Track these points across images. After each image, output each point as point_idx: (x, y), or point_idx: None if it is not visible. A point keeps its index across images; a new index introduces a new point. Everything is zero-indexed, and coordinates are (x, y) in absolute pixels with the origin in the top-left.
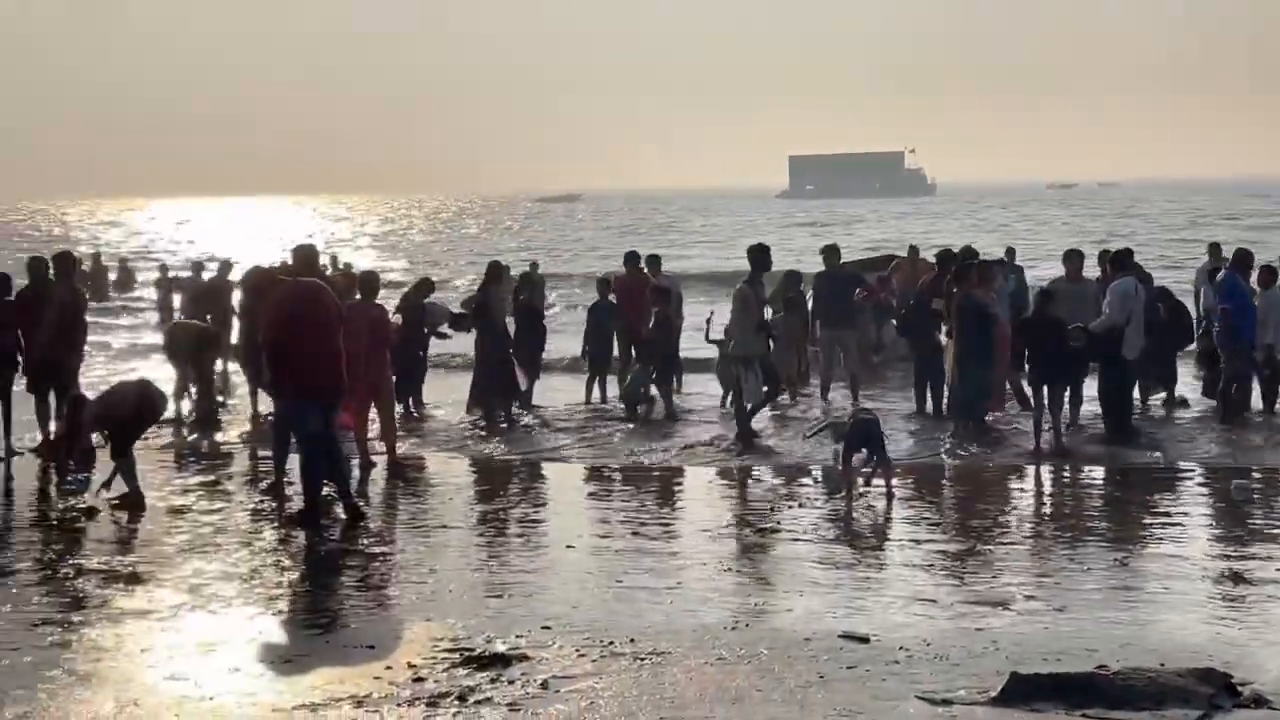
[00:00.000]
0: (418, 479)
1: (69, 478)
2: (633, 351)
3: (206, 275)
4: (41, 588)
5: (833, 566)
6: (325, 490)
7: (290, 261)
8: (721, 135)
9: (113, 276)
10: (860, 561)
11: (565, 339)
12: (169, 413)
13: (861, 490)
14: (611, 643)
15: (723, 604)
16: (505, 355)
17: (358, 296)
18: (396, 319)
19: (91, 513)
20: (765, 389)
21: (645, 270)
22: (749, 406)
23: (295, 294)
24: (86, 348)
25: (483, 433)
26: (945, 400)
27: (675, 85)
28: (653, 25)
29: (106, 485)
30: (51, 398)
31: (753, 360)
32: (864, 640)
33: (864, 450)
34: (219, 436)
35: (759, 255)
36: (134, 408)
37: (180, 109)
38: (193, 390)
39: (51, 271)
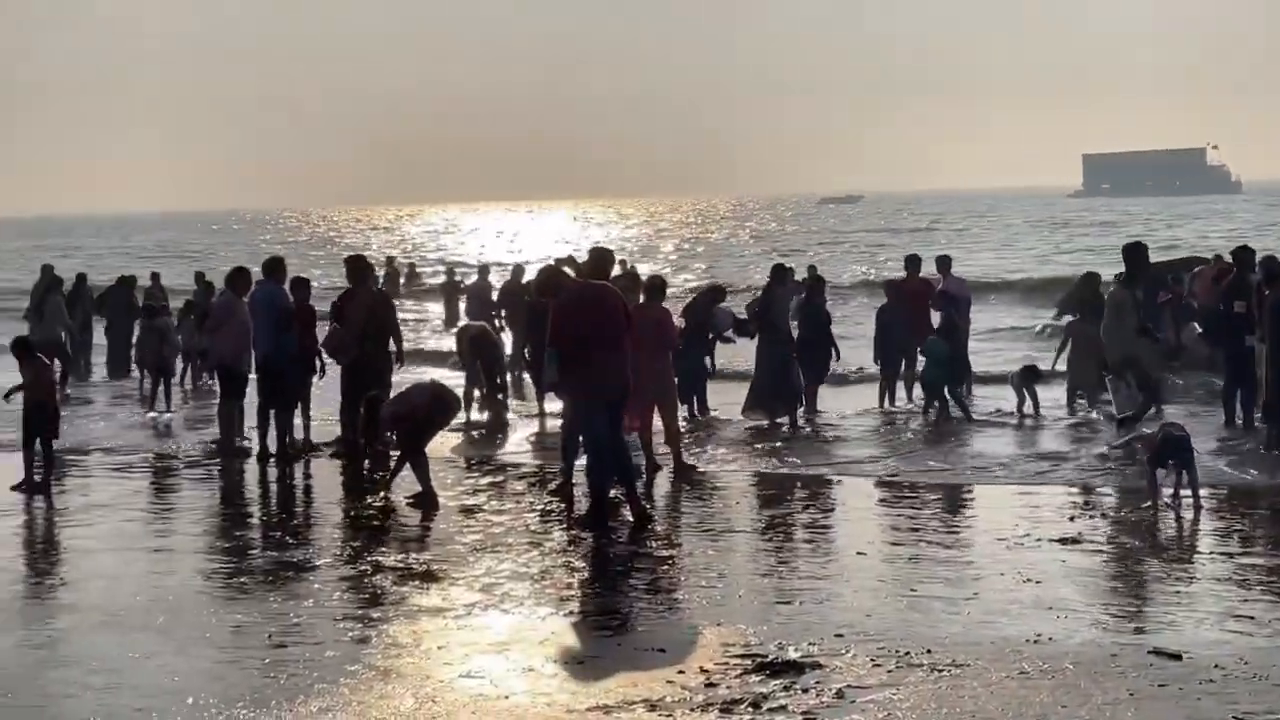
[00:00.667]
0: (702, 482)
1: (367, 476)
2: (918, 355)
3: (494, 278)
4: (342, 584)
5: (1138, 580)
6: (612, 492)
7: (578, 262)
8: (1010, 135)
9: (401, 280)
10: (1168, 575)
11: (853, 346)
12: (459, 415)
13: (1168, 503)
14: (907, 653)
15: (1022, 616)
16: (788, 359)
17: (642, 298)
18: (680, 322)
19: (387, 511)
20: (1140, 398)
21: (927, 271)
22: (1124, 416)
23: (582, 296)
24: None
25: (765, 437)
26: (1259, 410)
27: (960, 85)
28: (935, 26)
29: (387, 484)
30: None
31: (1130, 366)
32: (1176, 657)
33: (1171, 464)
34: (506, 438)
35: (1135, 254)
36: (426, 409)
37: (463, 120)
38: (478, 393)
39: (354, 274)
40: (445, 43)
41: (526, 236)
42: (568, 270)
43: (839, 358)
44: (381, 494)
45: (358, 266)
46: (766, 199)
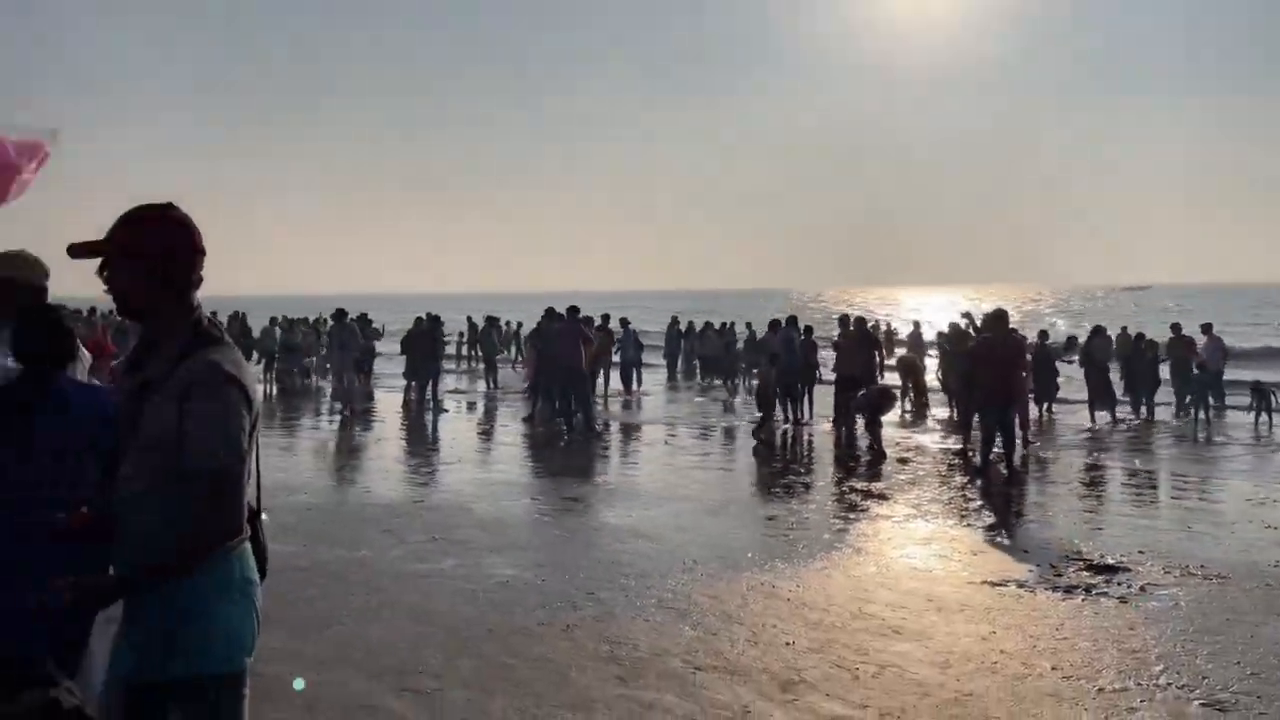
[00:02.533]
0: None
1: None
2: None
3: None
4: (831, 498)
5: None
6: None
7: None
8: None
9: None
10: None
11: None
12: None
13: None
14: (1187, 566)
15: (1266, 550)
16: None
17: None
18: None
19: (859, 458)
20: None
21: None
22: None
23: (992, 343)
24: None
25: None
26: None
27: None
28: None
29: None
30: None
31: None
32: None
33: None
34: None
35: None
36: (875, 400)
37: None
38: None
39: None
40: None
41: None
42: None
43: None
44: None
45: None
46: (1071, 289)
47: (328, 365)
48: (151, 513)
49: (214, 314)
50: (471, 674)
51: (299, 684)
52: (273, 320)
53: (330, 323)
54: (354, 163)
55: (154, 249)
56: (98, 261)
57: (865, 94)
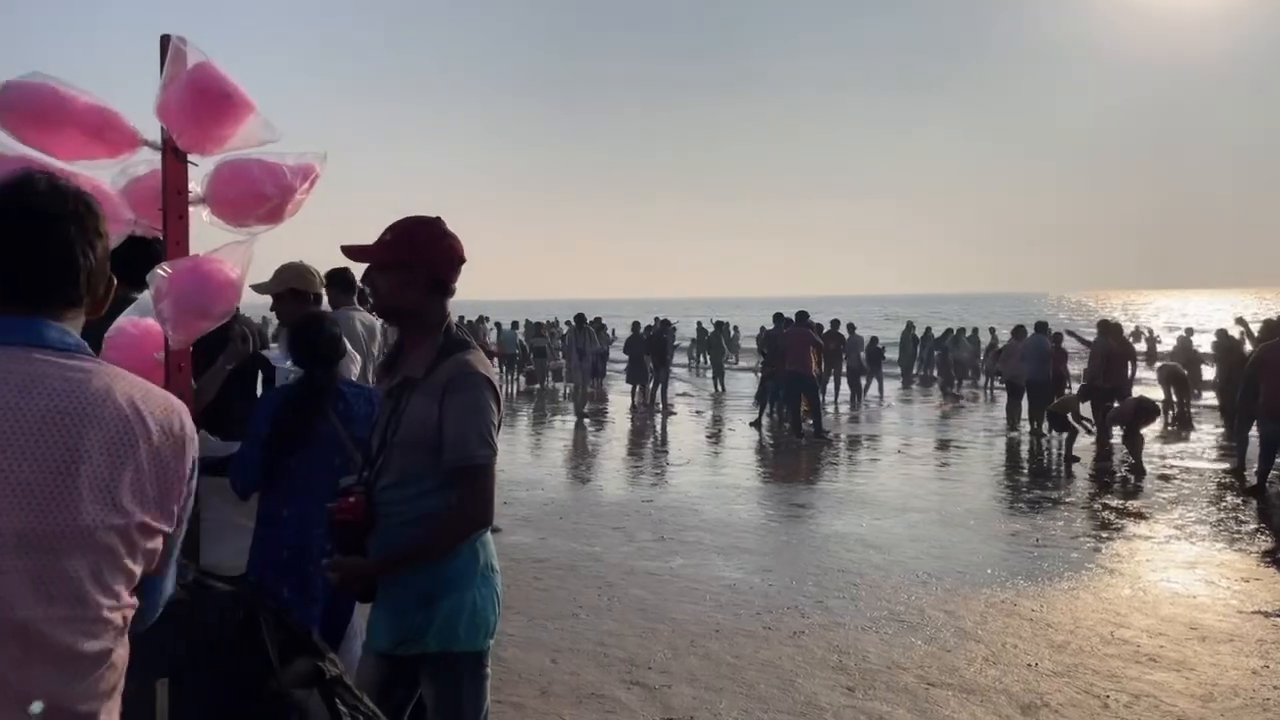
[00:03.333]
0: None
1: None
2: None
3: None
4: (1083, 514)
5: None
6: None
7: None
8: None
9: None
10: None
11: None
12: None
13: None
14: None
15: None
16: None
17: None
18: None
19: (1112, 472)
20: None
21: None
22: None
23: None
24: None
25: None
26: None
27: None
28: None
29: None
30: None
31: None
32: None
33: None
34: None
35: None
36: (1132, 412)
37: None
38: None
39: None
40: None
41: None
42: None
43: None
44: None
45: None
46: None
47: (567, 368)
48: (409, 502)
49: (462, 318)
50: (698, 672)
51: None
52: (513, 324)
53: (568, 327)
54: (581, 167)
55: (427, 259)
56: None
57: (1131, 89)
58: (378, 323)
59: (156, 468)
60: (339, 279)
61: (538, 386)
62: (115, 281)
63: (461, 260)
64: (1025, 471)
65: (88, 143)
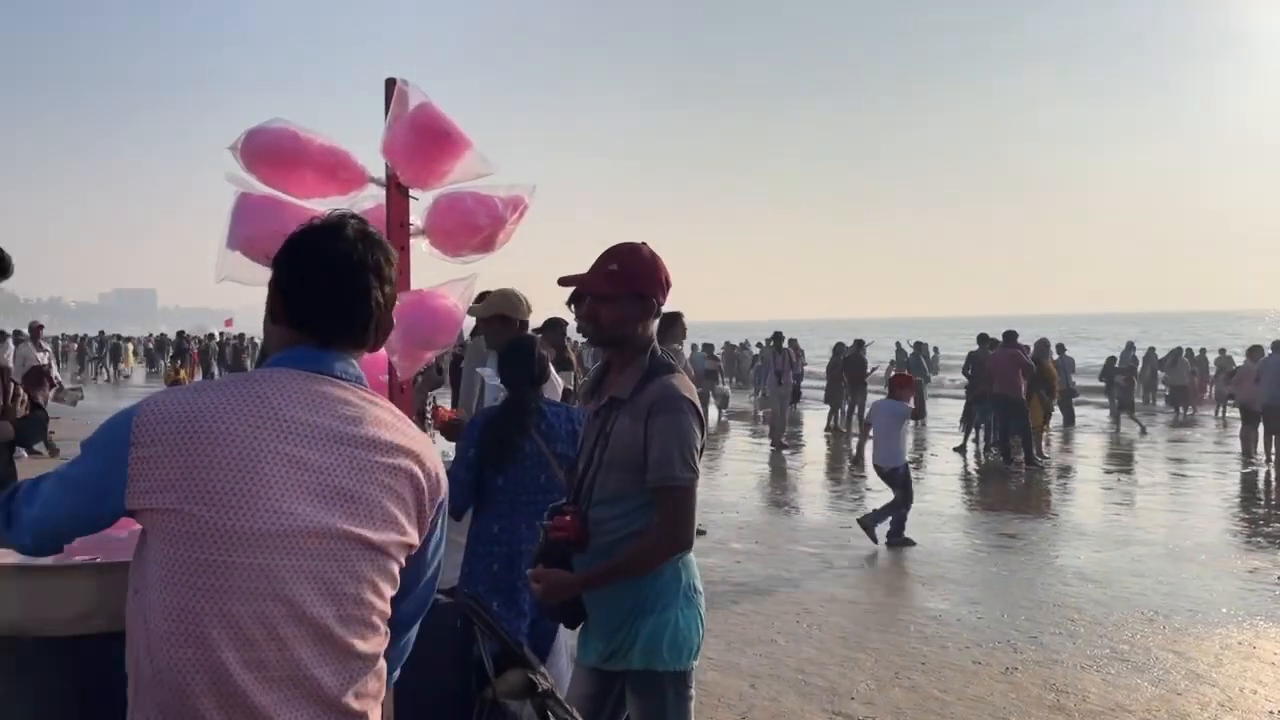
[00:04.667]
0: None
1: None
2: None
3: None
4: None
5: None
6: None
7: None
8: None
9: None
10: None
11: None
12: None
13: None
14: None
15: None
16: None
17: None
18: None
19: None
20: None
21: None
22: None
23: None
24: None
25: None
26: None
27: None
28: None
29: None
30: None
31: None
32: None
33: None
34: None
35: None
36: None
37: None
38: None
39: None
40: None
41: None
42: None
43: None
44: None
45: None
46: None
47: (762, 393)
48: (617, 520)
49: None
50: (904, 705)
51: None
52: (693, 347)
53: (759, 348)
54: (770, 188)
55: (640, 285)
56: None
57: None
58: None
59: (417, 493)
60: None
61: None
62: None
63: (670, 285)
64: (1263, 504)
65: (322, 182)
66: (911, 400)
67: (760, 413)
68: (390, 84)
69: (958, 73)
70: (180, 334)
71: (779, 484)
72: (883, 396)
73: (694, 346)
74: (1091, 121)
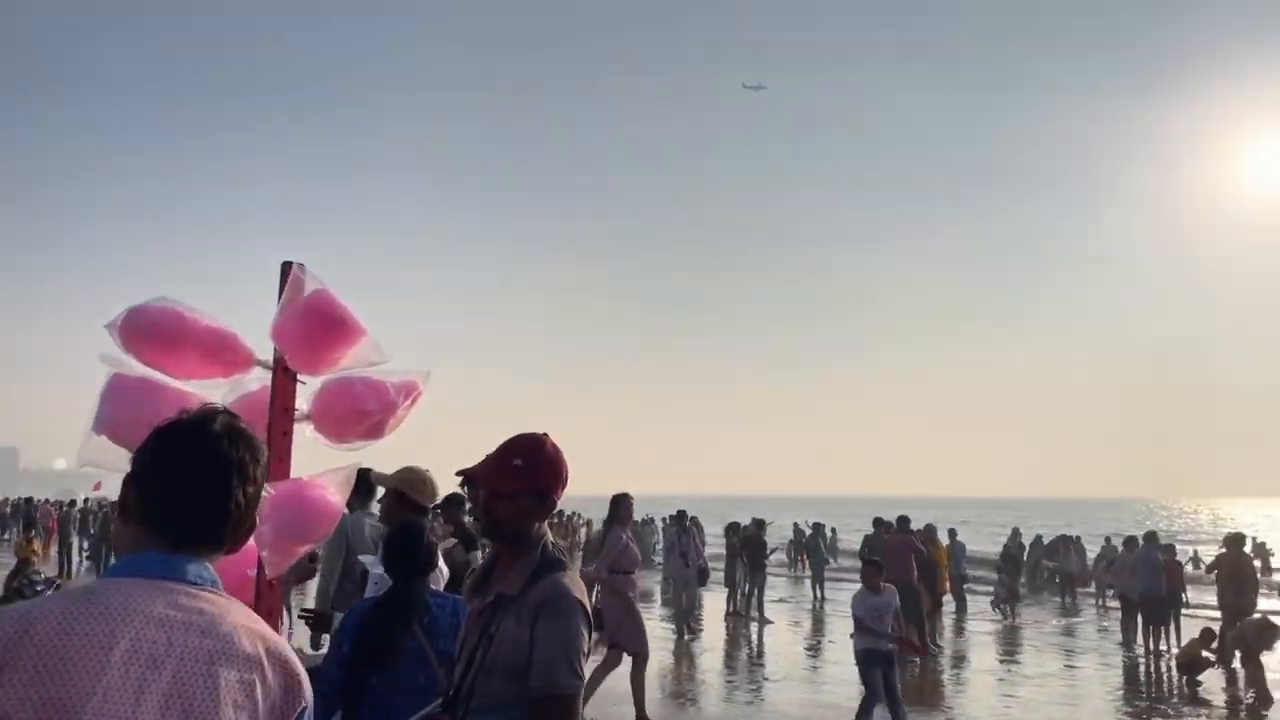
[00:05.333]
0: None
1: None
2: None
3: None
4: None
5: None
6: None
7: None
8: None
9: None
10: None
11: None
12: None
13: None
14: None
15: None
16: None
17: None
18: None
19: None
20: None
21: None
22: None
23: None
24: None
25: None
26: None
27: None
28: None
29: None
30: None
31: None
32: None
33: None
34: None
35: None
36: (1254, 633)
37: None
38: None
39: None
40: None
41: None
42: None
43: None
44: None
45: None
46: None
47: (666, 573)
48: None
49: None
50: None
51: None
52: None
53: (664, 526)
54: (646, 358)
55: (541, 483)
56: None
57: (1234, 284)
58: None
59: (271, 709)
60: (362, 481)
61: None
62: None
63: (568, 480)
64: (1144, 696)
65: (206, 362)
66: (882, 590)
67: (665, 596)
68: (285, 267)
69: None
70: (28, 500)
71: (674, 671)
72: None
73: (589, 524)
74: (968, 311)
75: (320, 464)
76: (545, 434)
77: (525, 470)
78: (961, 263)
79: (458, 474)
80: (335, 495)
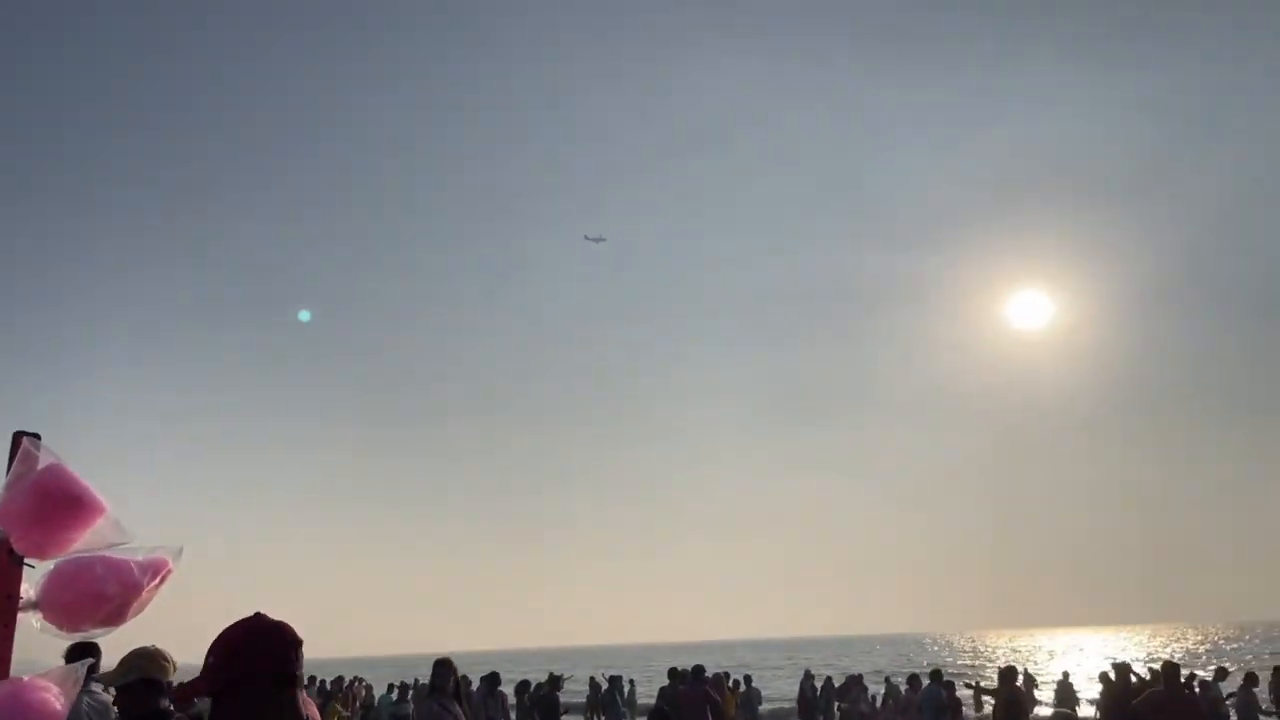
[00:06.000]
0: None
1: None
2: None
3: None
4: None
5: None
6: None
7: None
8: None
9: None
10: None
11: None
12: None
13: None
14: None
15: None
16: None
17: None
18: None
19: None
20: None
21: None
22: None
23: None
24: None
25: None
26: None
27: None
28: None
29: None
30: None
31: None
32: None
33: None
34: None
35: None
36: None
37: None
38: None
39: None
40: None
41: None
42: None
43: None
44: None
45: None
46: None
47: None
48: None
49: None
50: None
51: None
52: (390, 688)
53: (475, 688)
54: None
55: (260, 668)
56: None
57: (989, 423)
58: (109, 698)
59: None
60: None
61: None
62: None
63: (296, 644)
64: None
65: None
66: None
67: None
68: (17, 439)
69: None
70: None
71: None
72: None
73: (392, 686)
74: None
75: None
76: (255, 615)
77: (220, 666)
78: (749, 405)
79: (178, 692)
80: (58, 699)
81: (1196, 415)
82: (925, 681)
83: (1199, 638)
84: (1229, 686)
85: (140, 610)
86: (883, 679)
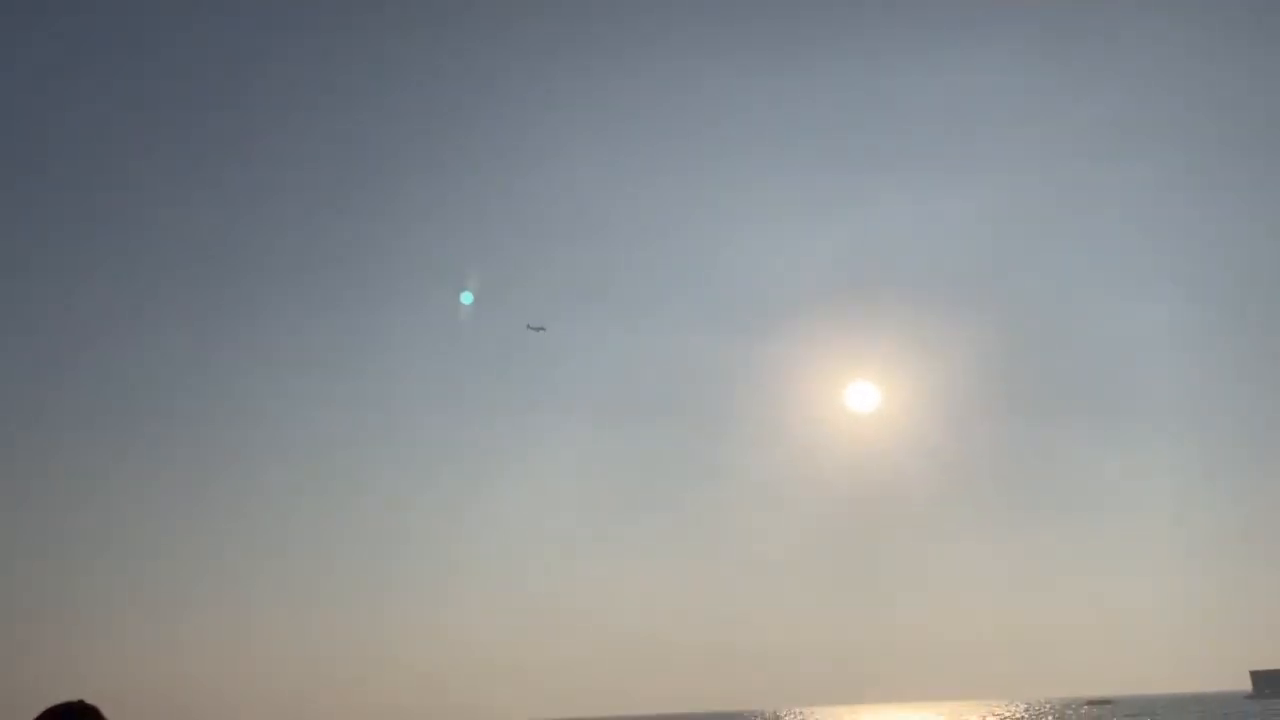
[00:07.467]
0: None
1: None
2: None
3: None
4: None
5: None
6: None
7: None
8: None
9: None
10: None
11: None
12: None
13: None
14: None
15: None
16: None
17: None
18: None
19: None
20: None
21: None
22: None
23: None
24: None
25: None
26: None
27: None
28: None
29: None
30: None
31: None
32: None
33: None
34: None
35: None
36: None
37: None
38: None
39: None
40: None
41: None
42: None
43: None
44: None
45: None
46: (1033, 703)
47: None
48: None
49: None
50: None
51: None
52: None
53: None
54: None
55: None
56: None
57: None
58: None
59: None
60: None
61: None
62: None
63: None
64: None
65: None
66: None
67: None
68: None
69: None
70: None
71: None
72: None
73: None
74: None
75: None
76: (77, 704)
77: None
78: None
79: None
80: None
81: (1001, 508)
82: None
83: (1019, 713)
84: None
85: None
86: None
